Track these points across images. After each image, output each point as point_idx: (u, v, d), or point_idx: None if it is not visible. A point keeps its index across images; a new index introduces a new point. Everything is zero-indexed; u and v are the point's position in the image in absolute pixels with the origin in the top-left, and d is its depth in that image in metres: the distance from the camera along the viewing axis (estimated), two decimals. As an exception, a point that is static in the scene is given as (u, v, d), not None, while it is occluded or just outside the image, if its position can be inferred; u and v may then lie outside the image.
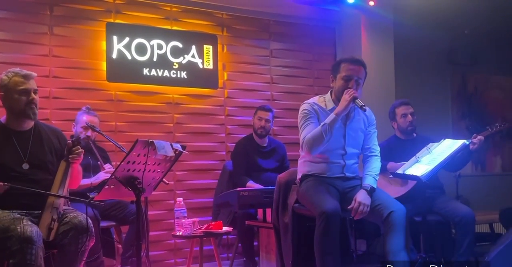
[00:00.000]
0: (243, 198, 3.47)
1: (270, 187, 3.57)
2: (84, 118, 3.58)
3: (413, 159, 3.12)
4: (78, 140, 2.61)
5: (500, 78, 6.12)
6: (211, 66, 4.65)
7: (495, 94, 6.09)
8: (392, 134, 3.91)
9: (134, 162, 2.39)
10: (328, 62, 5.07)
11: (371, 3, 4.88)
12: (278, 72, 5.08)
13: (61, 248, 2.44)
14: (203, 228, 3.26)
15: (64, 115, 4.02)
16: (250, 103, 4.83)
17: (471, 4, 4.92)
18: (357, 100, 2.73)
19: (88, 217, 2.47)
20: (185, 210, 3.29)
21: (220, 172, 4.43)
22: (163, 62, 4.43)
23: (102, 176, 3.41)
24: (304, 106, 2.91)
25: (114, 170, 2.63)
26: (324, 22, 5.20)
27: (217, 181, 4.41)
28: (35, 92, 2.62)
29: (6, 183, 2.44)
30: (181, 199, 3.35)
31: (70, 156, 2.56)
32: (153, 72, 4.40)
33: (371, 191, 2.75)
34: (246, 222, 3.80)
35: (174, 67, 4.48)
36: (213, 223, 3.30)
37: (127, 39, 4.28)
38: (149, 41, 4.37)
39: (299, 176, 2.99)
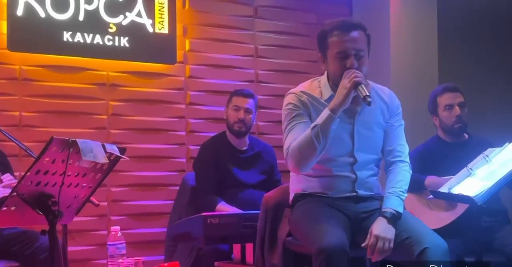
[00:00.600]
0: (211, 228, 3.45)
1: (251, 212, 3.56)
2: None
3: (464, 171, 3.13)
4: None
5: None
6: (165, 30, 4.65)
7: None
8: (434, 134, 3.94)
9: (47, 172, 2.37)
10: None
11: None
12: (266, 40, 5.09)
13: None
14: (150, 272, 3.23)
15: None
16: (223, 87, 4.84)
17: None
18: (360, 87, 2.70)
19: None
20: (124, 245, 3.26)
21: (177, 188, 4.42)
22: (93, 23, 4.42)
23: (-2, 192, 3.37)
24: (287, 99, 2.91)
25: (16, 183, 2.58)
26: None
27: (172, 202, 4.40)
28: None
29: None
30: (118, 228, 3.32)
31: None
32: (78, 37, 4.38)
33: (394, 219, 2.75)
34: (216, 264, 3.80)
35: (110, 31, 4.47)
36: (167, 264, 3.28)
37: (39, -12, 4.28)
38: (72, -9, 4.38)
39: (291, 196, 3.00)
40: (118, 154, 2.52)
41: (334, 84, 2.86)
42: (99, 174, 2.54)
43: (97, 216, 4.38)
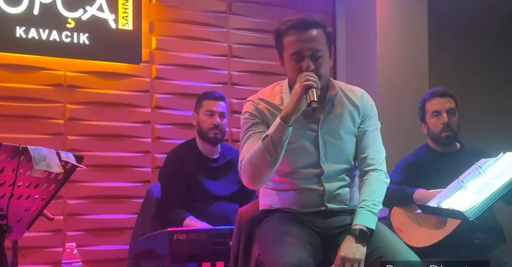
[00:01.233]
0: (178, 245, 3.44)
1: (223, 227, 3.56)
2: None
3: (455, 183, 3.15)
4: None
5: None
6: (129, 27, 4.65)
7: None
8: (424, 143, 3.97)
9: (-6, 182, 2.36)
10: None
11: None
12: (241, 39, 5.10)
13: None
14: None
15: None
16: (193, 89, 4.84)
17: None
18: (310, 91, 2.67)
19: None
20: (80, 263, 3.26)
21: (141, 200, 4.41)
22: (49, 17, 4.41)
23: None
24: (244, 107, 2.93)
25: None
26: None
27: (136, 216, 4.39)
28: None
29: None
30: (74, 245, 3.31)
31: None
32: (33, 33, 4.37)
33: (364, 236, 2.73)
34: (183, 285, 3.79)
35: (68, 26, 4.46)
36: (128, 285, 3.27)
37: (-11, -22, 4.27)
38: (27, -18, 4.36)
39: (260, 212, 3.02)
40: (75, 163, 2.52)
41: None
42: (53, 185, 2.54)
43: (51, 231, 4.36)
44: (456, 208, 2.99)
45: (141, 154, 4.73)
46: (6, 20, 4.30)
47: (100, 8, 4.56)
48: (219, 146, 4.32)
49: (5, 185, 2.38)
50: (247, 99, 2.95)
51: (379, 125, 2.99)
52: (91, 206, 4.55)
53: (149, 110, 4.77)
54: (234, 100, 4.91)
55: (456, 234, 3.50)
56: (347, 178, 2.92)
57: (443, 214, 3.24)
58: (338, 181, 2.90)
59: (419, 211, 3.31)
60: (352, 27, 5.37)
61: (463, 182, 3.13)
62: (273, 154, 2.69)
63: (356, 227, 2.73)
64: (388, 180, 2.94)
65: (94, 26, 4.54)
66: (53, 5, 4.42)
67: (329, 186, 2.87)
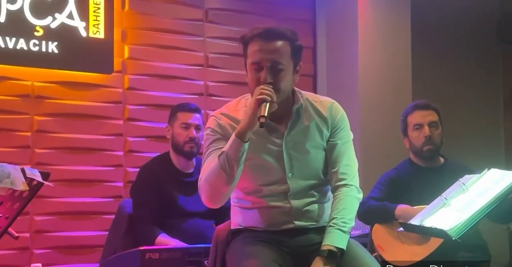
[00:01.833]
0: (150, 264, 3.43)
1: (197, 245, 3.57)
2: None
3: (438, 200, 3.17)
4: None
5: None
6: (101, 35, 4.64)
7: None
8: (407, 158, 3.99)
9: (-46, 200, 2.34)
10: (303, 33, 5.12)
11: None
12: (218, 48, 5.12)
13: None
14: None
15: None
16: (167, 100, 4.84)
17: None
18: (262, 105, 2.64)
19: None
20: (47, 284, 3.24)
21: (112, 217, 4.38)
22: (16, 25, 4.40)
23: None
24: (207, 123, 2.90)
25: None
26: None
27: (106, 233, 4.36)
28: None
29: None
30: (40, 265, 3.29)
31: None
32: (-1, 42, 4.36)
33: (333, 257, 2.71)
34: (155, 307, 3.77)
35: (36, 34, 4.46)
36: (97, 307, 3.25)
37: (-47, -17, 4.26)
38: (-7, -12, 4.35)
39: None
40: (40, 180, 2.50)
41: None
42: (18, 203, 2.52)
43: (17, 249, 4.33)
44: (439, 227, 3.01)
45: (113, 168, 4.72)
46: (-29, 27, 4.29)
47: (70, 16, 4.55)
48: (194, 159, 4.31)
49: (-34, 203, 2.37)
50: (211, 114, 2.92)
51: (351, 137, 2.95)
52: (60, 223, 4.52)
53: (121, 122, 4.76)
54: (211, 112, 4.87)
55: (440, 252, 3.51)
56: (316, 194, 2.88)
57: (426, 233, 3.25)
58: (306, 197, 2.87)
59: (401, 228, 3.32)
60: (333, 36, 5.39)
61: (446, 199, 3.15)
62: (229, 172, 2.67)
63: (325, 247, 2.71)
64: (360, 195, 2.89)
65: (64, 34, 4.53)
66: (20, 12, 4.41)
67: (296, 203, 2.85)
